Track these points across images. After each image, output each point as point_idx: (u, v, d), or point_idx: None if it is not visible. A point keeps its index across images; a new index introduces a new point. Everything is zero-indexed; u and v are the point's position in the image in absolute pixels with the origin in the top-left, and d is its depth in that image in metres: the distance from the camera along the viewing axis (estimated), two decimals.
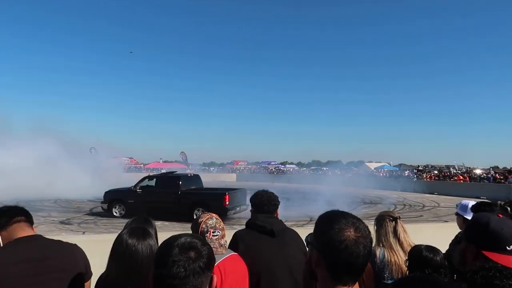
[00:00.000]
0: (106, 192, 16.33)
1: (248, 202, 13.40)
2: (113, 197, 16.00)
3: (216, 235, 2.21)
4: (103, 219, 14.96)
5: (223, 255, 2.17)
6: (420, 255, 2.37)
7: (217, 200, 14.32)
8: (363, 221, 1.27)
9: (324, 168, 63.52)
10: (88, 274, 2.06)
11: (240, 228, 2.77)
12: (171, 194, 15.12)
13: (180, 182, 15.57)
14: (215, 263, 1.30)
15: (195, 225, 2.24)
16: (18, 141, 30.20)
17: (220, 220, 2.30)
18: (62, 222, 14.32)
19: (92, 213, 16.86)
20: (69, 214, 16.64)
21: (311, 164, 72.28)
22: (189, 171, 17.54)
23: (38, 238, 2.04)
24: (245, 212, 14.65)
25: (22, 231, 2.01)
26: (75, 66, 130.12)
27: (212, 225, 2.23)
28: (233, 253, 2.28)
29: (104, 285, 1.80)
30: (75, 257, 2.04)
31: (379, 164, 61.13)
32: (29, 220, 2.10)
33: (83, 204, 20.17)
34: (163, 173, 17.30)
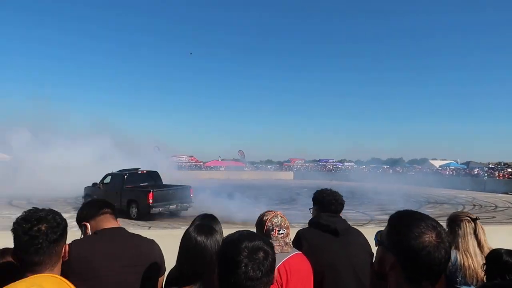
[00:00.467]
0: (85, 188, 17.98)
1: (193, 200, 14.02)
2: (87, 192, 17.55)
3: (282, 234, 2.21)
4: (164, 216, 15.61)
5: (289, 254, 2.16)
6: (500, 260, 2.19)
7: (142, 198, 14.95)
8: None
9: (385, 166, 61.44)
10: (162, 269, 2.14)
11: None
12: (116, 191, 16.03)
13: (125, 179, 16.34)
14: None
15: (260, 223, 2.26)
16: (84, 140, 32.64)
17: (285, 218, 2.30)
18: (128, 217, 15.19)
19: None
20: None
21: (371, 162, 69.78)
22: (142, 168, 17.98)
23: (121, 230, 2.17)
24: (190, 209, 15.21)
25: (108, 222, 2.15)
26: (136, 68, 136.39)
27: (278, 224, 2.24)
28: (298, 251, 2.26)
29: (176, 281, 1.86)
30: (152, 252, 2.12)
31: (445, 162, 57.68)
32: (114, 213, 2.24)
33: None
34: (119, 170, 17.93)
